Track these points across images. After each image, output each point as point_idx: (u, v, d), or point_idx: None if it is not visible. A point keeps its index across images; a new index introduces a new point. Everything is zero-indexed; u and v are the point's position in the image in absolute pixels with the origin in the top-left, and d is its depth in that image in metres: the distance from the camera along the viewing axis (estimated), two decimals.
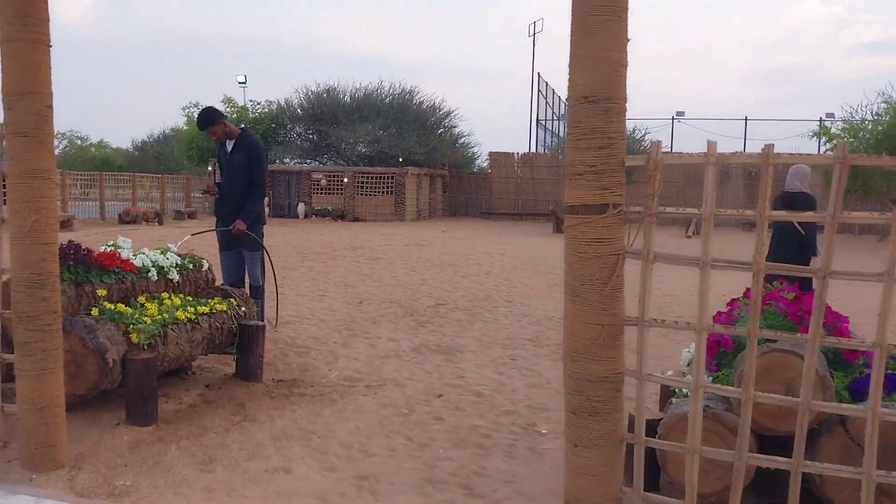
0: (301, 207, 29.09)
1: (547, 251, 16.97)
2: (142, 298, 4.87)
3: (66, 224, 18.94)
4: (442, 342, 6.88)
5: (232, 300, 5.37)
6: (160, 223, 22.97)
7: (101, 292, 4.53)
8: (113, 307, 4.46)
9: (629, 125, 27.09)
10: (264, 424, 4.43)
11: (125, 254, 4.93)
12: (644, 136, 32.10)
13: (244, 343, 5.29)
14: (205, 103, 30.60)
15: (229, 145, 6.53)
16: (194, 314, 4.90)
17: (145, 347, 4.35)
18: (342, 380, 5.57)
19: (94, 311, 4.38)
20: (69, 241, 4.57)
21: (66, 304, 4.29)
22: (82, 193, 25.66)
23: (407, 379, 5.61)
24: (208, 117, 6.39)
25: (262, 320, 6.23)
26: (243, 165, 6.45)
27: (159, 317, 4.60)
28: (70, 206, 22.08)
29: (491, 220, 31.29)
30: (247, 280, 6.73)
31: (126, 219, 22.22)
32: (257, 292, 6.58)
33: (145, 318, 4.46)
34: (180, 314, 4.76)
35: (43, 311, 3.36)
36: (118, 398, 4.46)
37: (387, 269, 12.53)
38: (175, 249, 5.51)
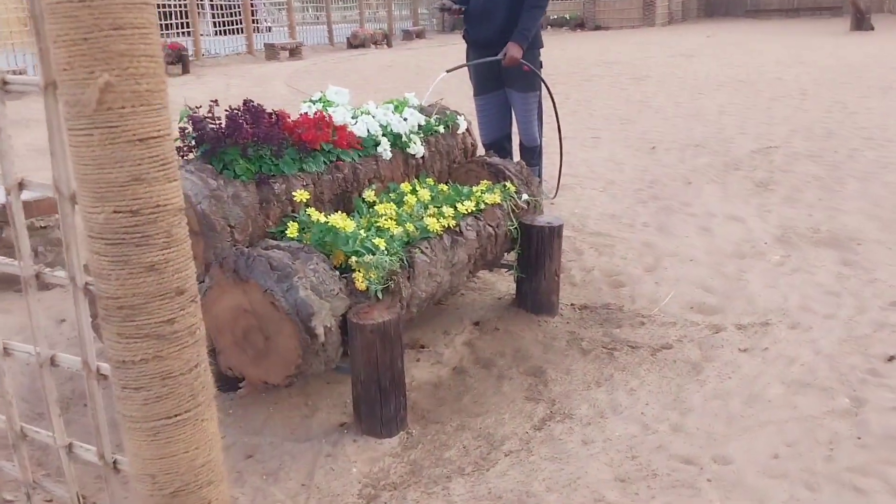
0: None
1: (860, 56, 13.02)
2: (370, 194, 2.90)
3: (294, 52, 17.80)
4: (815, 222, 4.39)
5: (508, 184, 3.25)
6: (388, 45, 21.32)
7: (302, 196, 2.59)
8: (324, 219, 2.53)
9: None
10: (591, 427, 2.41)
11: (340, 115, 2.93)
12: None
13: (530, 255, 3.23)
14: None
15: None
16: (454, 217, 2.86)
17: (380, 296, 2.41)
18: (683, 307, 3.39)
19: (292, 230, 2.48)
20: (245, 103, 2.63)
21: (243, 219, 2.42)
22: (314, 18, 24.47)
23: (802, 310, 3.29)
24: None
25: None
26: None
27: (399, 230, 2.62)
28: (298, 31, 20.96)
29: (758, 20, 26.26)
30: (515, 140, 4.61)
31: (354, 42, 20.77)
32: (533, 156, 4.44)
33: (378, 241, 2.49)
34: (432, 222, 2.74)
35: (157, 293, 1.41)
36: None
37: (663, 93, 9.79)
38: (419, 103, 3.43)
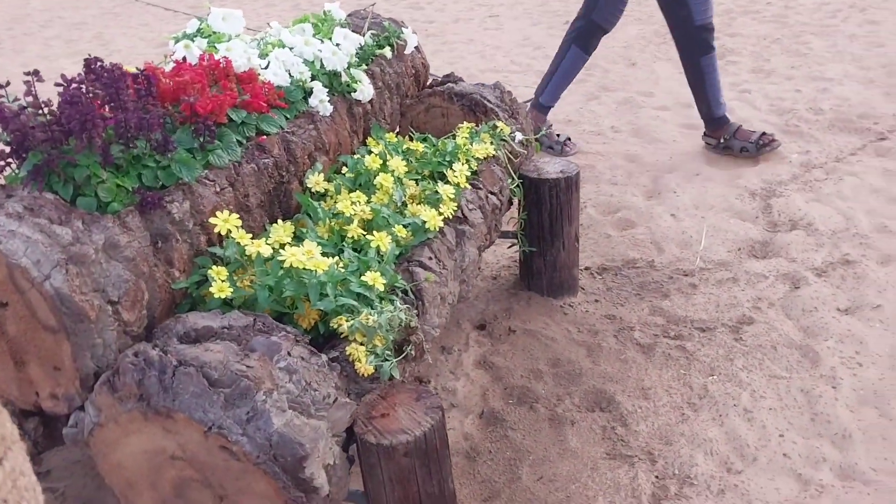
0: None
1: None
2: (316, 179, 1.81)
3: None
4: (810, 100, 3.65)
5: (498, 123, 2.23)
6: None
7: (226, 222, 1.47)
8: (266, 248, 1.45)
9: None
10: (727, 496, 1.59)
11: (240, 56, 1.78)
12: None
13: (541, 219, 2.28)
14: None
15: None
16: (453, 196, 1.84)
17: (395, 375, 1.41)
18: (728, 247, 2.60)
19: (219, 288, 1.40)
20: (88, 64, 1.45)
21: (130, 284, 1.33)
22: None
23: (879, 232, 2.56)
24: None
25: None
26: None
27: (386, 240, 1.59)
28: None
29: None
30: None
31: None
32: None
33: (372, 277, 1.45)
34: (430, 215, 1.72)
35: None
36: None
37: None
38: (344, 15, 2.28)
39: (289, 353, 1.29)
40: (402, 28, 2.38)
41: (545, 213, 2.27)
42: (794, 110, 3.55)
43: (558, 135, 3.45)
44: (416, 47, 2.43)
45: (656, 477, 1.73)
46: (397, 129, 2.38)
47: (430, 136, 2.17)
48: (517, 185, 2.21)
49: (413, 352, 1.47)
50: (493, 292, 2.45)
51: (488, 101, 2.32)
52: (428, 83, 2.54)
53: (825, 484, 1.66)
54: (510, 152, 2.22)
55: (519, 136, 2.29)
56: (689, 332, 2.20)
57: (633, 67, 4.45)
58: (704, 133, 3.34)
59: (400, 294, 1.55)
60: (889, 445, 1.74)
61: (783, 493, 1.65)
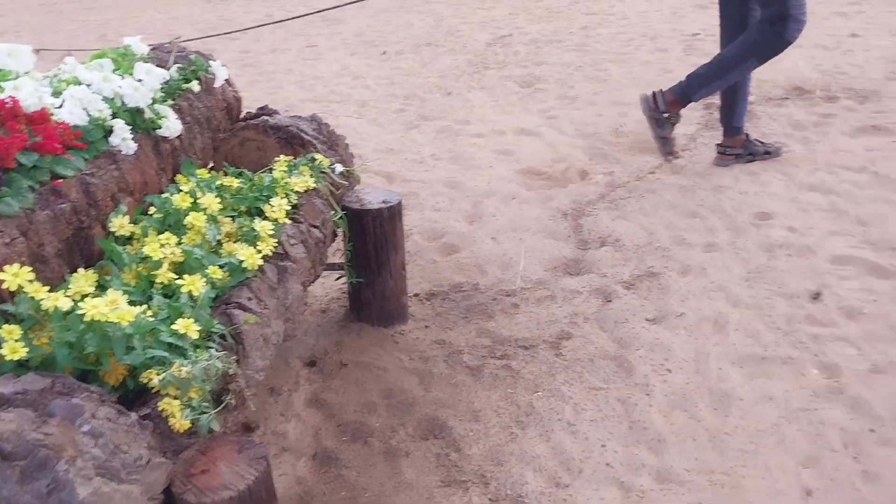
0: None
1: None
2: (120, 222, 1.70)
3: None
4: (613, 122, 3.92)
5: (317, 156, 2.21)
6: None
7: (16, 276, 1.34)
8: (65, 301, 1.33)
9: None
10: None
11: (31, 95, 1.64)
12: None
13: (367, 249, 2.28)
14: None
15: None
16: (272, 231, 1.80)
17: (214, 428, 1.35)
18: (545, 266, 2.72)
19: (11, 349, 1.27)
20: None
21: None
22: None
23: (678, 245, 2.78)
24: None
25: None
26: None
27: (199, 283, 1.52)
28: None
29: None
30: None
31: None
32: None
33: (184, 325, 1.38)
34: (248, 254, 1.67)
35: None
36: None
37: None
38: (146, 49, 2.17)
39: (93, 416, 1.19)
40: (211, 61, 2.30)
41: (370, 243, 2.27)
42: (598, 134, 3.79)
43: (762, 142, 3.41)
44: (226, 80, 2.36)
45: (490, 500, 1.75)
46: (211, 165, 2.30)
47: (245, 170, 2.10)
48: (341, 217, 2.20)
49: (233, 401, 1.40)
50: (324, 326, 2.41)
51: (305, 133, 2.29)
52: (242, 116, 2.47)
53: (645, 489, 1.76)
54: (331, 184, 2.20)
55: (339, 167, 2.27)
56: (514, 351, 2.27)
57: (450, 97, 4.58)
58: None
59: (217, 340, 1.48)
60: (698, 445, 1.87)
61: (608, 502, 1.73)
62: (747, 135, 3.35)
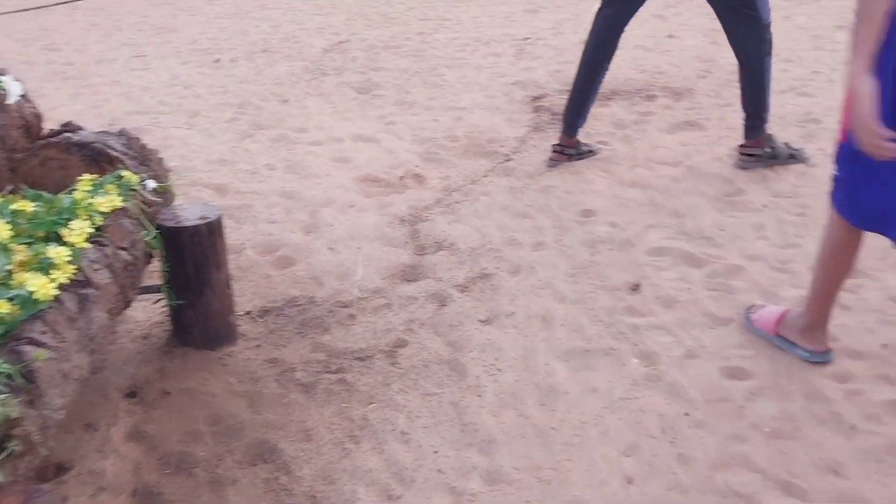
0: None
1: None
2: None
3: None
4: (447, 128, 3.97)
5: (124, 173, 2.08)
6: None
7: None
8: None
9: None
10: None
11: None
12: None
13: (186, 269, 2.18)
14: None
15: None
16: (71, 256, 1.67)
17: None
18: (382, 274, 2.71)
19: None
20: None
21: None
22: None
23: (509, 246, 2.84)
24: None
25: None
26: None
27: None
28: None
29: None
30: None
31: None
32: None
33: None
34: (40, 283, 1.54)
35: None
36: None
37: None
38: None
39: None
40: (2, 76, 2.12)
41: (189, 262, 2.17)
42: (434, 139, 3.82)
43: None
44: (22, 95, 2.18)
45: None
46: (11, 188, 2.12)
47: (43, 192, 1.95)
48: (154, 237, 2.08)
49: (19, 446, 1.29)
50: (145, 353, 2.28)
51: (113, 149, 2.16)
52: (43, 133, 2.29)
53: (475, 492, 1.78)
54: (142, 202, 2.08)
55: (151, 183, 2.16)
56: (350, 364, 2.24)
57: (286, 104, 4.48)
58: (743, 146, 3.29)
59: (3, 380, 1.36)
60: (526, 443, 1.91)
61: None
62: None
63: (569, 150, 3.44)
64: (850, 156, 1.82)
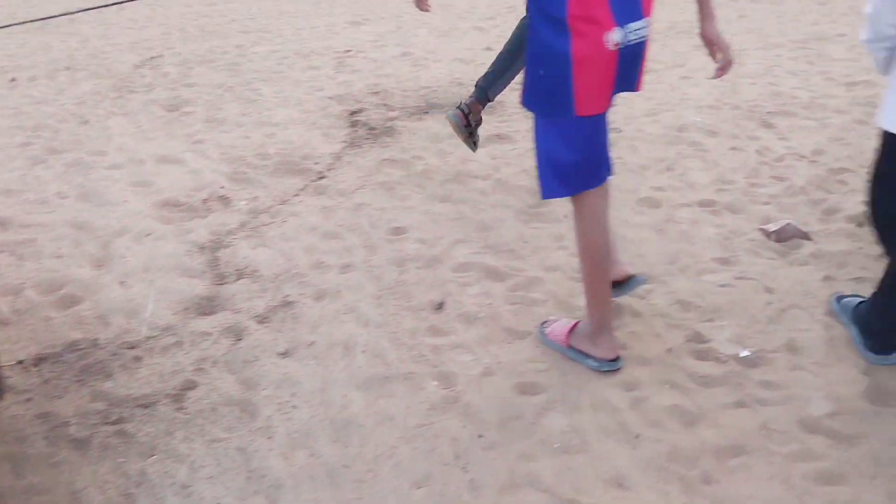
0: None
1: None
2: None
3: None
4: (258, 144, 3.82)
5: None
6: None
7: None
8: None
9: None
10: None
11: None
12: None
13: None
14: None
15: None
16: None
17: None
18: (175, 310, 2.56)
19: None
20: None
21: None
22: None
23: (316, 269, 2.75)
24: None
25: None
26: None
27: None
28: None
29: None
30: None
31: None
32: None
33: None
34: None
35: None
36: None
37: None
38: None
39: None
40: None
41: None
42: (244, 157, 3.67)
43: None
44: None
45: None
46: None
47: None
48: None
49: None
50: None
51: None
52: None
53: None
54: None
55: None
56: (131, 413, 2.07)
57: (86, 125, 4.18)
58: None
59: None
60: (316, 485, 1.83)
61: None
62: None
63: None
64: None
